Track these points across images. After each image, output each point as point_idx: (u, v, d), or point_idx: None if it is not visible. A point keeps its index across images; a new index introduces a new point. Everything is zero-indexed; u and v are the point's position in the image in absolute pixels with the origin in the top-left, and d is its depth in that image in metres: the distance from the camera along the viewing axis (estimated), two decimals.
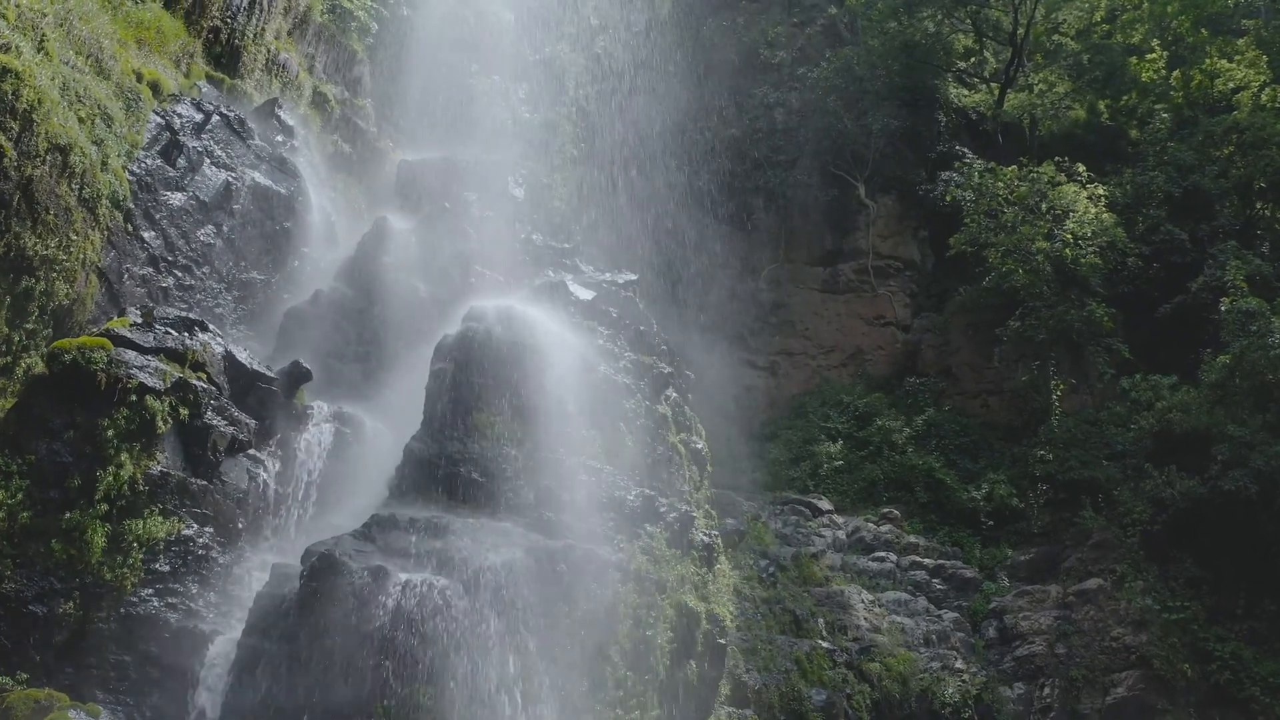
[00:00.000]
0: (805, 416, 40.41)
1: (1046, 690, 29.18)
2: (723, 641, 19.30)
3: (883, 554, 33.58)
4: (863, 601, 30.41)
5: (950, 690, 28.35)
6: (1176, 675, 28.20)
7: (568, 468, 16.93)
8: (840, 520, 35.72)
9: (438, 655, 14.05)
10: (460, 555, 14.69)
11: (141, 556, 15.48)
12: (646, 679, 16.81)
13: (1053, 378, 36.41)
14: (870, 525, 34.96)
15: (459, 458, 16.38)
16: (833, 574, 31.81)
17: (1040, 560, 33.37)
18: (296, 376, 19.16)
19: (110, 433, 15.65)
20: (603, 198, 38.45)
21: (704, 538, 20.13)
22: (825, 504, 36.25)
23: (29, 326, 16.94)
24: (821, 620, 28.99)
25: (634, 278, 23.21)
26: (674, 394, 22.05)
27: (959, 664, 29.42)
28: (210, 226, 20.89)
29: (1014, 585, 32.60)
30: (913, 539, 34.55)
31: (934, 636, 30.27)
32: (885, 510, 35.91)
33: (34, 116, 16.66)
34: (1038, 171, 36.42)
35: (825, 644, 27.89)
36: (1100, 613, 30.51)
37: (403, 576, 14.16)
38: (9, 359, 16.67)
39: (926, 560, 33.54)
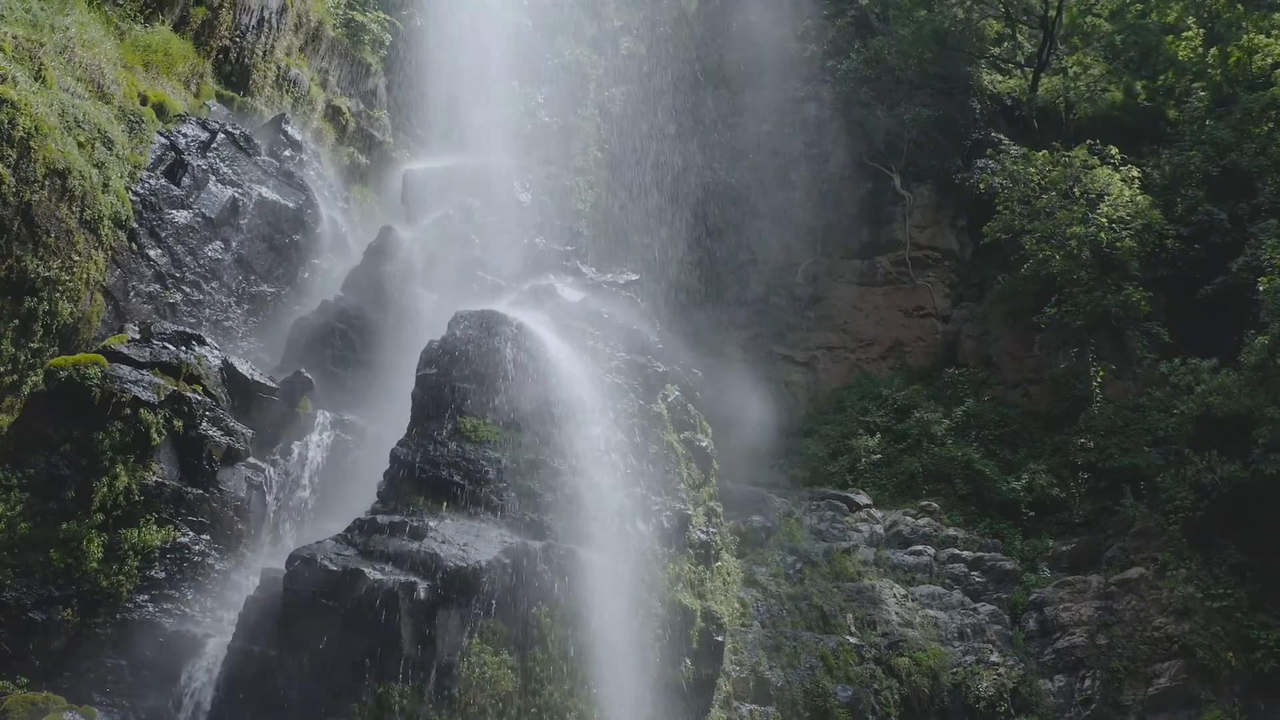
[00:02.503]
0: (844, 411, 40.26)
1: (1088, 682, 28.81)
2: (720, 639, 19.34)
3: (920, 547, 33.35)
4: (895, 596, 30.20)
5: (984, 684, 28.09)
6: (1220, 664, 27.65)
7: (552, 469, 17.08)
8: (878, 514, 35.52)
9: (412, 655, 14.35)
10: (436, 556, 14.95)
11: (137, 564, 16.00)
12: (636, 677, 16.93)
13: (1092, 364, 35.84)
14: (908, 519, 34.71)
15: (442, 461, 16.66)
16: (865, 569, 31.63)
17: (1082, 550, 32.95)
18: (298, 386, 19.62)
19: (105, 445, 16.20)
20: (630, 198, 38.61)
21: (702, 536, 20.18)
22: (863, 498, 36.05)
23: (34, 345, 17.60)
24: (850, 616, 28.84)
25: (635, 278, 23.33)
26: (676, 393, 22.12)
27: (994, 657, 29.13)
28: (218, 242, 21.47)
29: (1055, 576, 32.24)
30: (951, 531, 34.25)
31: (969, 630, 29.98)
32: (924, 503, 35.64)
33: (31, 143, 17.30)
34: (1069, 156, 35.83)
35: (853, 640, 27.75)
36: (1142, 602, 30.04)
37: (375, 577, 14.46)
38: (15, 377, 17.35)
39: (965, 553, 33.24)
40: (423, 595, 14.62)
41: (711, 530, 20.92)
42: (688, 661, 18.50)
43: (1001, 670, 28.74)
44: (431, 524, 15.58)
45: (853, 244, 44.23)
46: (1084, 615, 30.17)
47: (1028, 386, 39.11)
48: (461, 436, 16.90)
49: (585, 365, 19.15)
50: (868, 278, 43.58)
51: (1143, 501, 32.02)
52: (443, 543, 15.26)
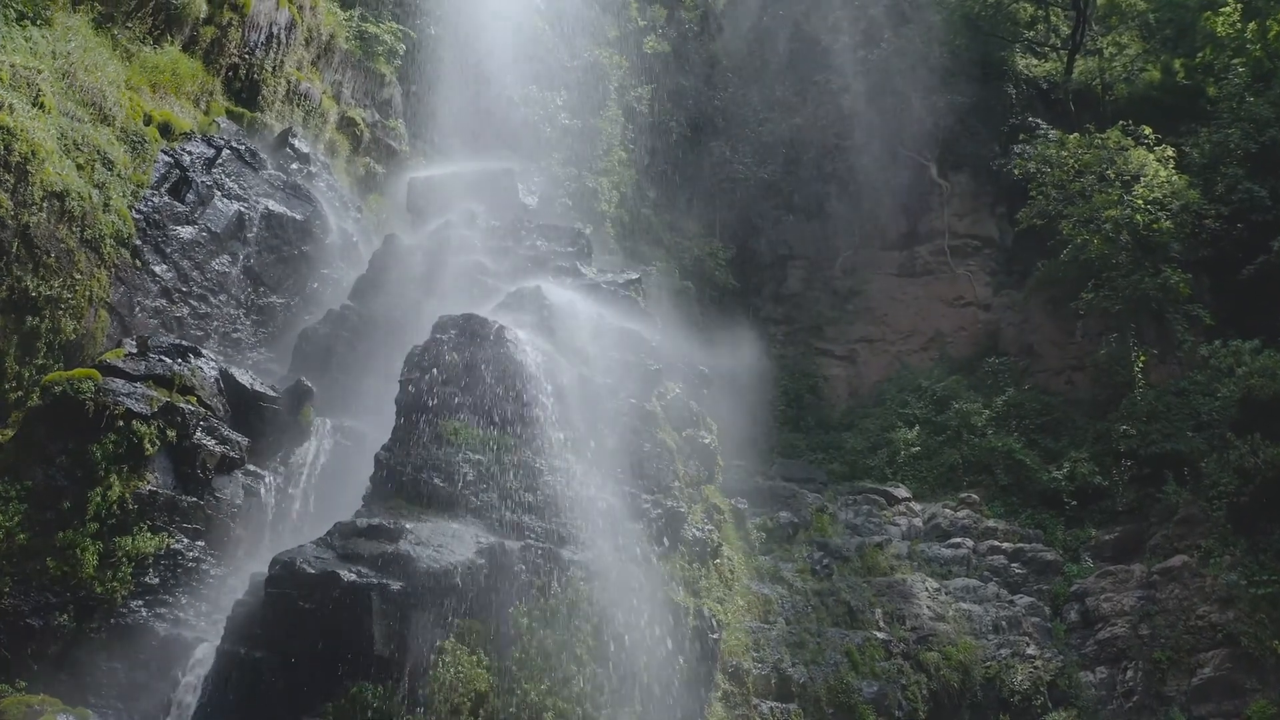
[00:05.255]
0: (883, 404, 40.06)
1: (1129, 673, 28.43)
2: (715, 636, 19.33)
3: (958, 540, 33.01)
4: (927, 590, 29.93)
5: (1020, 677, 27.78)
6: (1266, 653, 27.02)
7: (533, 469, 17.21)
8: (917, 508, 35.25)
9: (384, 655, 14.60)
10: (410, 557, 15.19)
11: (131, 570, 16.48)
12: (621, 675, 16.98)
13: (1134, 349, 35.18)
14: (947, 511, 34.40)
15: (422, 464, 16.92)
16: (899, 563, 31.40)
17: (1125, 539, 32.50)
18: (300, 394, 20.03)
19: (99, 456, 16.68)
20: (660, 197, 38.68)
21: (697, 533, 20.18)
22: (902, 492, 35.80)
23: (38, 362, 18.27)
24: (879, 611, 28.64)
25: (636, 277, 23.34)
26: (677, 390, 22.17)
27: (1031, 650, 28.78)
28: (225, 256, 22.03)
29: (1098, 566, 31.83)
30: (991, 523, 33.88)
31: (1004, 623, 29.63)
32: (964, 495, 35.35)
33: (28, 168, 17.95)
34: (1102, 138, 35.17)
35: (881, 635, 27.56)
36: (1185, 591, 29.52)
37: (349, 579, 14.74)
38: (20, 393, 18.02)
39: (1005, 544, 32.88)
40: (395, 596, 14.85)
41: (708, 528, 20.90)
42: (681, 660, 18.52)
43: (1038, 663, 28.37)
44: (408, 526, 15.82)
45: (891, 235, 43.93)
46: (1126, 605, 29.71)
47: (1071, 373, 38.52)
48: (442, 439, 17.14)
49: (571, 365, 19.28)
50: (907, 268, 43.27)
51: (1186, 487, 31.38)
52: (417, 544, 15.50)
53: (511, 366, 17.90)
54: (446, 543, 15.77)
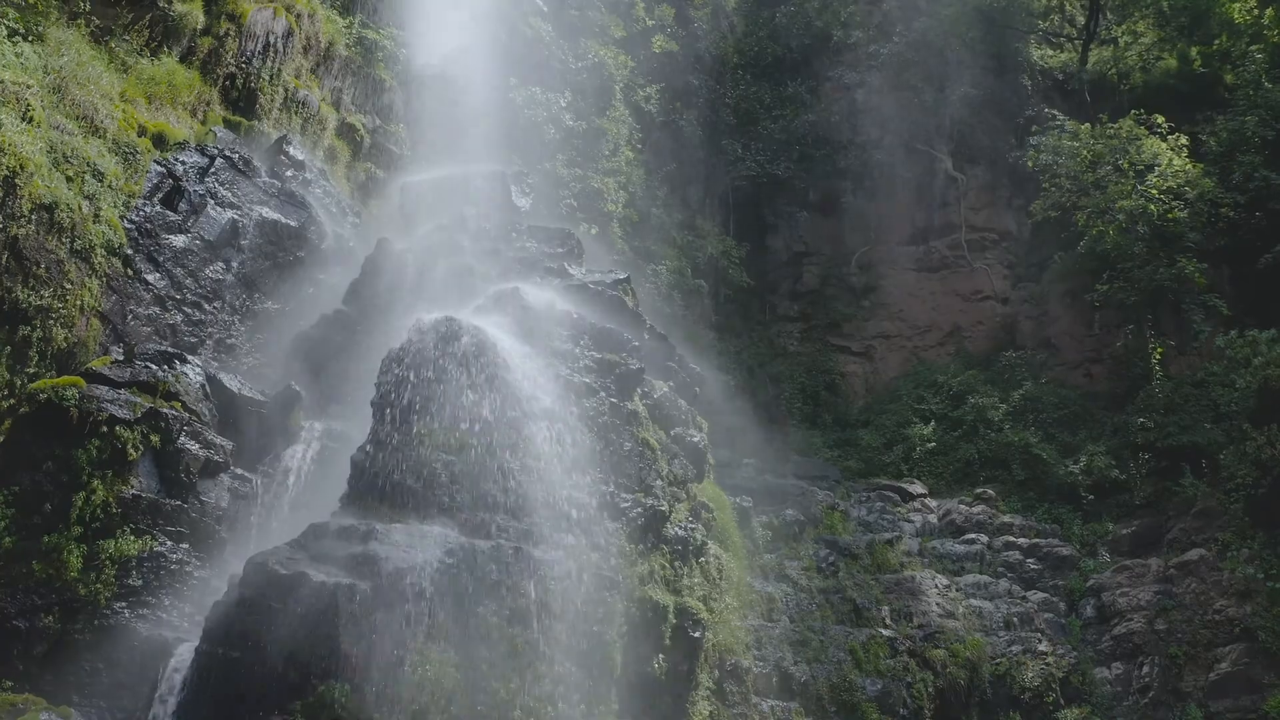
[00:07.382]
0: (900, 400, 39.82)
1: (1146, 669, 28.25)
2: (696, 635, 19.35)
3: (973, 536, 32.80)
4: (936, 586, 29.77)
5: (1030, 674, 27.60)
6: None
7: (507, 470, 17.33)
8: (933, 504, 35.05)
9: (351, 654, 14.79)
10: (378, 558, 15.40)
11: (114, 573, 16.86)
12: (598, 675, 17.10)
13: (1151, 340, 34.79)
14: (962, 507, 34.18)
15: (395, 466, 17.10)
16: (909, 560, 31.26)
17: (1143, 533, 32.19)
18: (289, 398, 20.38)
19: (84, 461, 17.08)
20: (670, 195, 38.69)
21: (679, 532, 20.21)
22: (918, 488, 35.62)
23: (30, 370, 18.67)
24: (886, 608, 28.56)
25: (624, 276, 23.38)
26: (665, 389, 22.24)
27: (1043, 646, 28.56)
28: (219, 264, 22.38)
29: (1115, 560, 31.53)
30: (1007, 518, 33.62)
31: (1015, 619, 29.42)
32: (980, 491, 35.09)
33: (16, 181, 18.39)
34: (1115, 127, 34.78)
35: (886, 632, 27.49)
36: (1202, 585, 29.25)
37: (318, 579, 14.96)
38: (12, 401, 18.41)
39: (1021, 540, 32.64)
40: (363, 596, 15.05)
41: (693, 526, 20.93)
42: (660, 658, 18.60)
43: (1050, 660, 28.13)
44: (379, 527, 16.03)
45: (906, 230, 43.69)
46: (1142, 600, 29.46)
47: (1089, 366, 38.15)
48: (416, 441, 17.33)
49: (549, 366, 19.40)
50: (923, 263, 43.02)
51: (1204, 480, 30.99)
52: (387, 545, 15.70)
53: (486, 367, 18.07)
54: (416, 543, 15.96)
